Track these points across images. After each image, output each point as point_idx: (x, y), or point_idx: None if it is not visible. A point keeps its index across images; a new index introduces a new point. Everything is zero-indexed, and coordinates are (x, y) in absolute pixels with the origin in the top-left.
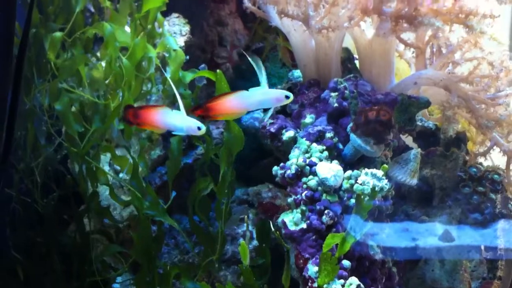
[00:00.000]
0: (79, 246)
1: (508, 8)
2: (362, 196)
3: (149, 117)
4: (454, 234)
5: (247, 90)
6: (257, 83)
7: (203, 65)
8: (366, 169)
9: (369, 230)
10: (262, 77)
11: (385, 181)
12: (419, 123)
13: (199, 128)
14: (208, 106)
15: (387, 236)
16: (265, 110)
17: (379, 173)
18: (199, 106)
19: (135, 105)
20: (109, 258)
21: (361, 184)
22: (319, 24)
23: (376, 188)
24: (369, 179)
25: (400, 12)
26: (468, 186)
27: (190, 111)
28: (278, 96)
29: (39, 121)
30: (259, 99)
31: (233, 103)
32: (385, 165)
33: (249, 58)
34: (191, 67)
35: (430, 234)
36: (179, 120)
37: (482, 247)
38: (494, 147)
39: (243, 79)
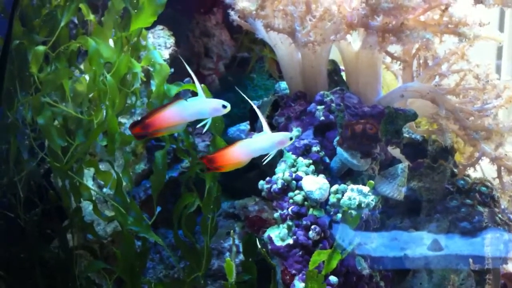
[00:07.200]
0: (63, 262)
1: (496, 14)
2: (348, 211)
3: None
4: (442, 245)
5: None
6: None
7: (187, 79)
8: (352, 185)
9: (356, 244)
10: (198, 87)
11: (371, 197)
12: (406, 135)
13: None
14: (148, 122)
15: (375, 248)
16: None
17: (365, 189)
18: (136, 124)
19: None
20: (93, 274)
21: (348, 200)
22: (305, 38)
23: (362, 205)
24: (355, 195)
25: (387, 26)
26: (455, 198)
27: (129, 128)
28: (215, 106)
29: (22, 135)
30: (196, 109)
31: (171, 115)
32: (371, 181)
33: (187, 67)
34: (176, 78)
35: (418, 244)
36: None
37: (471, 260)
38: (483, 158)
39: (230, 90)
